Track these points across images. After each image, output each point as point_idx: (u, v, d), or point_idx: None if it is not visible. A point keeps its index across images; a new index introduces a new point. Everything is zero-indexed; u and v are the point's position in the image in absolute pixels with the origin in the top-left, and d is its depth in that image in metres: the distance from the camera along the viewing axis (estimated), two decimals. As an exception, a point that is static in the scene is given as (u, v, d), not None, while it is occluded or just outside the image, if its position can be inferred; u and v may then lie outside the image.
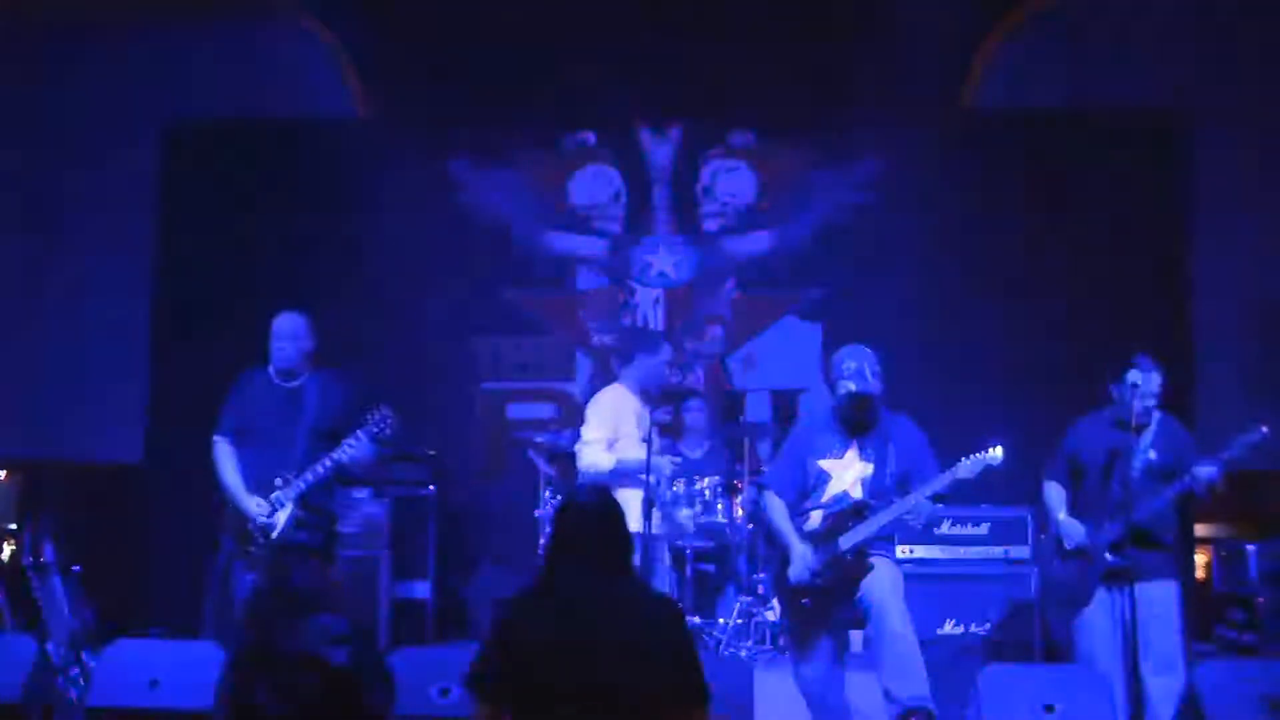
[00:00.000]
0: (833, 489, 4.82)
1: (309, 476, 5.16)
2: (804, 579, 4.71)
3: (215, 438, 5.35)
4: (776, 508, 4.91)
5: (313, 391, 5.31)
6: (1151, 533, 4.99)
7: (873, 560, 4.69)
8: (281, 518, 5.15)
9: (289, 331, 5.32)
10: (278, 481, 5.18)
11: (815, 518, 4.79)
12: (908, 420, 4.91)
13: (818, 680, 4.77)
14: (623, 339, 6.00)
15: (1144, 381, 5.01)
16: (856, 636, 5.09)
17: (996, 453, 4.63)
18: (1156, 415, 5.11)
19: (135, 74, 8.07)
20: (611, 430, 5.85)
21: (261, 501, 5.17)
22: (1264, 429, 4.86)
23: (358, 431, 5.17)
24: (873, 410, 4.83)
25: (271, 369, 5.37)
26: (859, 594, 4.66)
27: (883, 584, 4.65)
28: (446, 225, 8.14)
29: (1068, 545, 5.10)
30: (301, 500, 5.19)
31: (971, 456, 4.65)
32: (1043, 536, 5.47)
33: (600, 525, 3.31)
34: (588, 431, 5.93)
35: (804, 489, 4.88)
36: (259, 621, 4.84)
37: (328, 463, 5.16)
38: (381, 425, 5.18)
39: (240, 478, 5.24)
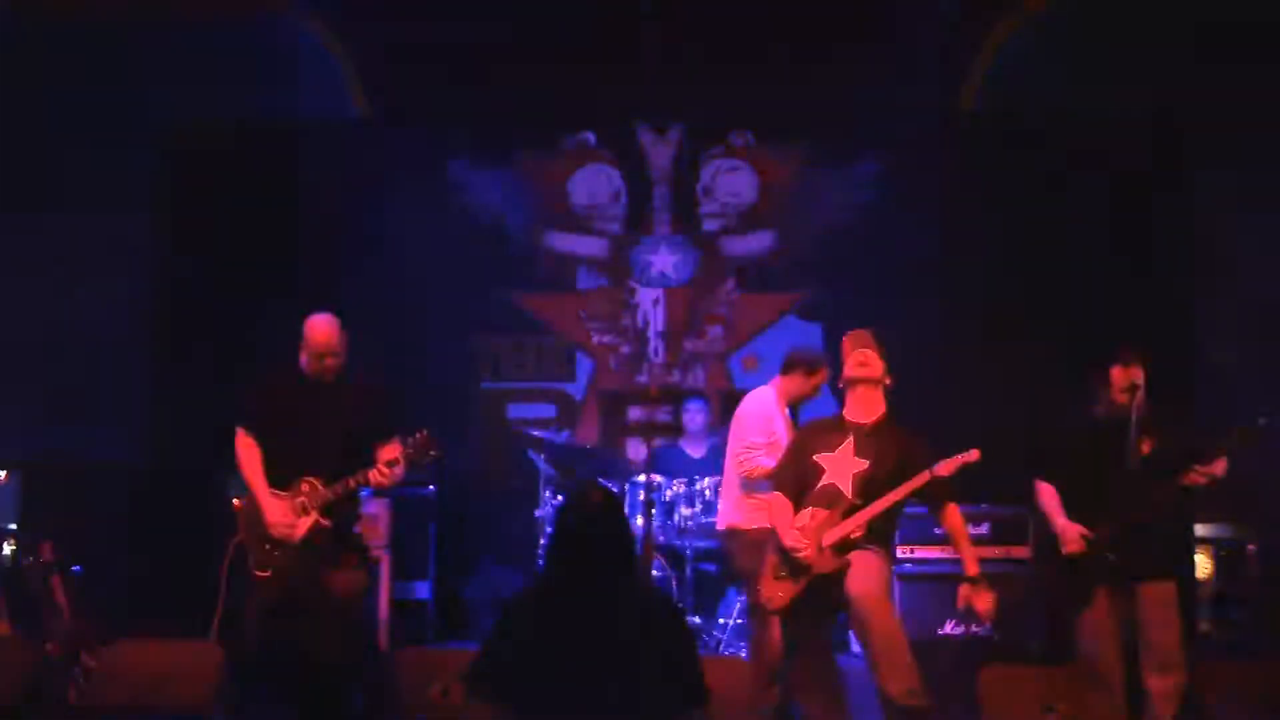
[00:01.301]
0: (824, 483, 4.83)
1: (339, 488, 5.02)
2: (788, 576, 4.75)
3: (239, 427, 5.16)
4: (777, 507, 4.94)
5: (345, 395, 5.14)
6: (1151, 531, 4.98)
7: (859, 555, 4.68)
8: (304, 525, 5.01)
9: (333, 345, 5.10)
10: (304, 487, 5.05)
11: (805, 515, 4.82)
12: (904, 422, 4.92)
13: (810, 670, 4.77)
14: (793, 351, 5.89)
15: (1129, 375, 5.02)
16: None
17: (972, 455, 4.63)
18: (1146, 408, 5.11)
19: (135, 74, 8.06)
20: (771, 435, 5.70)
21: (284, 511, 5.02)
22: (1261, 420, 4.85)
23: (397, 456, 5.04)
24: (877, 396, 4.83)
25: (307, 371, 5.17)
26: (845, 593, 4.67)
27: (867, 582, 4.64)
28: (446, 225, 8.14)
29: (1067, 548, 5.10)
30: (325, 510, 5.04)
31: (949, 457, 4.64)
32: (1043, 536, 5.46)
33: (603, 525, 3.31)
34: (754, 438, 5.69)
35: (804, 487, 4.89)
36: (260, 622, 4.84)
37: (361, 479, 5.03)
38: (421, 452, 5.07)
39: (263, 476, 5.09)
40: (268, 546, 5.03)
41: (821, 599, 4.72)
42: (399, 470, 5.06)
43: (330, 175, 7.90)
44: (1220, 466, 4.87)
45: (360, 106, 8.22)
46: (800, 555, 4.71)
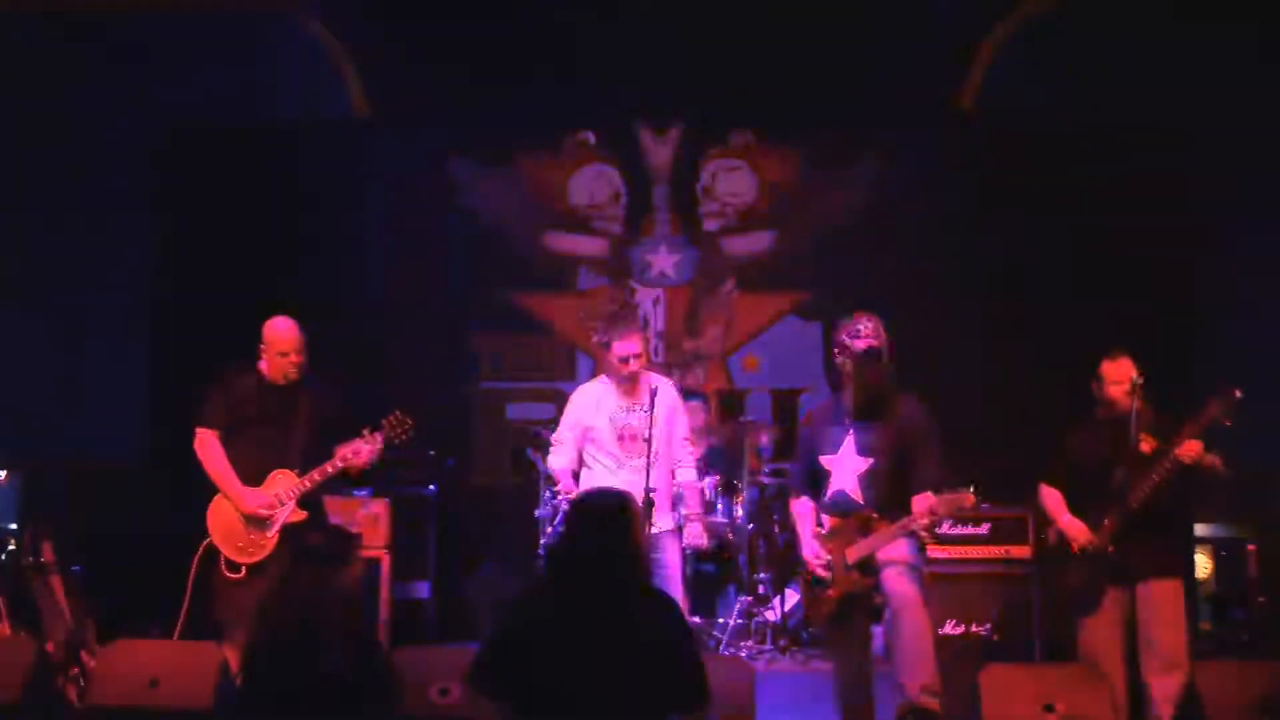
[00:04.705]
0: (833, 487, 4.82)
1: (316, 475, 5.16)
2: (818, 585, 4.75)
3: (201, 430, 5.25)
4: (800, 512, 4.95)
5: (307, 394, 5.28)
6: (1153, 528, 4.97)
7: (888, 559, 4.67)
8: (281, 515, 5.14)
9: (296, 344, 5.25)
10: (276, 478, 5.17)
11: (826, 523, 4.83)
12: (912, 400, 4.86)
13: (848, 673, 4.78)
14: None
15: (1119, 369, 5.02)
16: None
17: (968, 498, 4.56)
18: (1146, 408, 5.10)
19: (135, 74, 8.06)
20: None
21: (262, 496, 5.15)
22: (1237, 391, 4.81)
23: (374, 434, 5.18)
24: (885, 374, 4.79)
25: (267, 373, 5.31)
26: (882, 591, 4.66)
27: (904, 580, 4.63)
28: (446, 225, 8.14)
29: (1074, 548, 5.09)
30: (301, 500, 5.18)
31: (945, 494, 4.60)
32: (1044, 536, 5.45)
33: (611, 527, 3.31)
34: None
35: (817, 491, 4.91)
36: (267, 628, 4.83)
37: (339, 464, 5.16)
38: (397, 431, 5.20)
39: (233, 471, 5.19)
40: (240, 545, 5.11)
41: (857, 603, 4.74)
42: (365, 454, 5.17)
43: (330, 175, 7.90)
44: (1197, 447, 4.83)
45: (360, 106, 8.22)
46: (818, 574, 4.75)
